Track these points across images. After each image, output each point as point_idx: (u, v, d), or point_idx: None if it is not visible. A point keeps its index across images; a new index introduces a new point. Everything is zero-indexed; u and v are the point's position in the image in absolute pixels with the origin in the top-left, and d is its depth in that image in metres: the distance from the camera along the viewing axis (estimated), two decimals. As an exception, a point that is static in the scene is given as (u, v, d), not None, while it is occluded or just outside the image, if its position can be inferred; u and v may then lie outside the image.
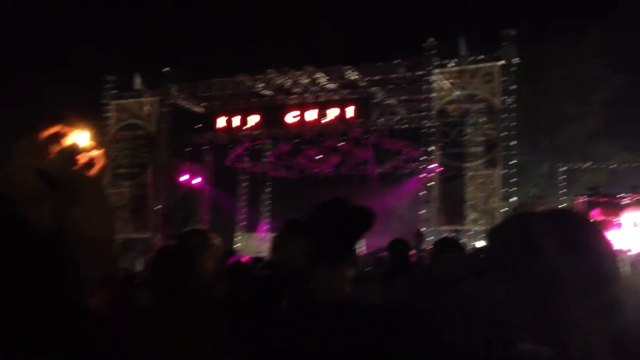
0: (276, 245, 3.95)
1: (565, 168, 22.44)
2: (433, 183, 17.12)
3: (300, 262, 2.21)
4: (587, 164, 22.14)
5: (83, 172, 1.65)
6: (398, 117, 18.89)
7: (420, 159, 18.08)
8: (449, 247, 3.98)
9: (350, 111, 17.96)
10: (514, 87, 16.61)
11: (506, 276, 1.29)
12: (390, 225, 28.42)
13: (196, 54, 23.40)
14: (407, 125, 18.73)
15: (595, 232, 1.33)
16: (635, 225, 19.12)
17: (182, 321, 2.77)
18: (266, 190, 25.06)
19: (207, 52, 23.36)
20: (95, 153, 1.83)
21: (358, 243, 2.11)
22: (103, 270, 1.20)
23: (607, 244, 1.31)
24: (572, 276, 1.22)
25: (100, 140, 20.29)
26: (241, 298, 3.40)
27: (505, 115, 16.53)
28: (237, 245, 23.28)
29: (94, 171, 1.78)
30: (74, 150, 1.80)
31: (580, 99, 25.84)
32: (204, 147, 21.26)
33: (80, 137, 1.89)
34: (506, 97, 16.53)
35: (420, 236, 13.16)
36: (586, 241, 1.29)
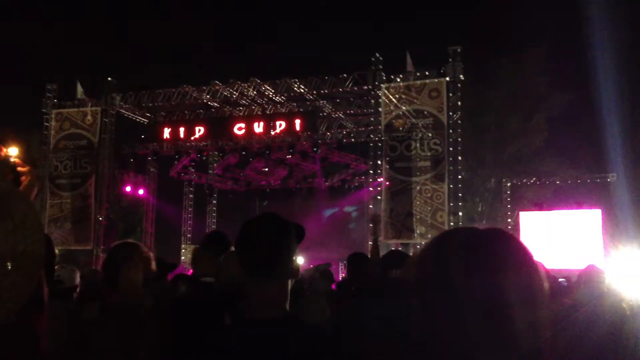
0: (196, 259, 3.79)
1: (510, 183, 22.79)
2: (380, 197, 17.10)
3: (233, 278, 2.34)
4: (532, 180, 22.52)
5: (11, 187, 1.54)
6: (346, 131, 18.88)
7: (368, 172, 18.08)
8: (397, 260, 3.83)
9: (297, 124, 17.83)
10: (460, 103, 16.77)
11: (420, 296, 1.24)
12: (337, 238, 28.49)
13: (141, 64, 22.97)
14: (354, 139, 18.74)
15: (514, 253, 1.25)
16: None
17: (108, 334, 2.75)
18: (213, 202, 24.71)
19: (152, 63, 22.96)
20: (24, 169, 1.79)
21: (294, 257, 2.08)
22: (29, 287, 1.19)
23: (527, 264, 1.24)
24: (479, 298, 1.15)
25: (41, 150, 19.72)
26: (176, 312, 3.29)
27: (452, 130, 16.67)
28: (183, 258, 22.95)
29: (22, 187, 1.75)
30: (1, 166, 1.74)
31: (525, 116, 26.39)
32: (149, 158, 20.85)
33: (9, 153, 1.84)
34: (452, 112, 16.67)
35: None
36: (499, 261, 1.21)
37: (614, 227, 21.20)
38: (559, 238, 20.11)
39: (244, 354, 1.87)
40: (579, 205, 20.60)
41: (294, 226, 2.09)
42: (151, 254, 3.27)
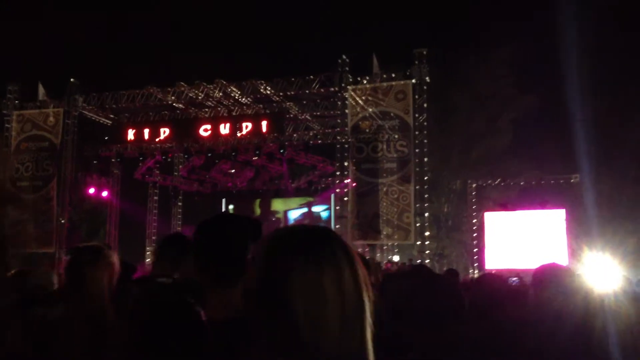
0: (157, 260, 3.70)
1: (476, 184, 22.99)
2: (347, 198, 17.10)
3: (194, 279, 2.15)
4: (497, 181, 22.74)
5: None
6: (312, 133, 18.82)
7: (335, 174, 18.07)
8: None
9: (264, 125, 17.71)
10: (426, 105, 16.84)
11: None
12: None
13: (104, 64, 22.59)
14: (321, 141, 18.71)
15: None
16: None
17: (73, 336, 2.72)
18: (178, 204, 24.43)
19: (115, 63, 22.59)
20: None
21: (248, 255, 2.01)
22: None
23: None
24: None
25: (1, 152, 19.30)
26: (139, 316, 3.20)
27: (418, 132, 16.74)
28: (148, 260, 22.67)
29: None
30: None
31: (490, 117, 26.64)
32: (113, 160, 20.54)
33: None
34: (418, 114, 16.74)
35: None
36: None
37: (578, 227, 21.51)
38: (524, 238, 20.33)
39: (202, 356, 1.84)
40: (543, 205, 20.83)
41: (250, 224, 2.05)
42: (115, 257, 3.19)
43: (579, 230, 21.54)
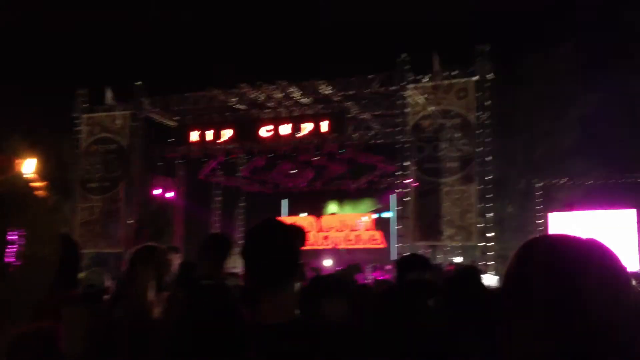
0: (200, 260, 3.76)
1: (541, 184, 22.44)
2: (409, 198, 16.97)
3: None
4: (563, 180, 22.13)
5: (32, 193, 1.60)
6: (373, 132, 18.76)
7: (396, 174, 17.96)
8: (415, 264, 3.76)
9: (324, 126, 17.81)
10: (489, 102, 16.55)
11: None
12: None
13: (169, 67, 23.10)
14: (382, 140, 18.63)
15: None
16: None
17: (121, 336, 2.79)
18: (240, 204, 24.78)
19: (180, 66, 23.08)
20: (38, 184, 1.79)
21: (298, 260, 2.09)
22: (40, 290, 1.23)
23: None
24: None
25: (72, 154, 20.01)
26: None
27: (481, 130, 16.47)
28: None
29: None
30: (16, 181, 1.73)
31: (555, 116, 25.94)
32: (177, 161, 21.02)
33: (26, 166, 1.90)
34: (481, 112, 16.47)
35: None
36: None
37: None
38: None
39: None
40: (611, 205, 20.21)
41: (294, 230, 2.12)
42: (171, 257, 3.23)
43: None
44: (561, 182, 22.23)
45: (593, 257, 1.20)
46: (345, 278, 6.66)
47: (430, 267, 3.45)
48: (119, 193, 19.91)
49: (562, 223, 20.87)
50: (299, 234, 2.12)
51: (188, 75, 20.71)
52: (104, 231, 19.71)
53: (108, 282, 5.23)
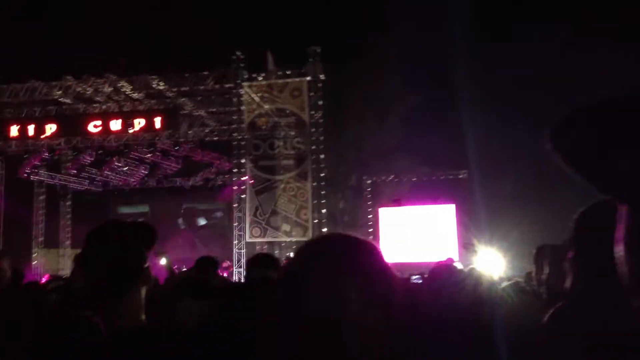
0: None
1: (370, 180, 23.47)
2: (245, 196, 17.01)
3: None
4: (391, 177, 23.31)
5: None
6: (208, 129, 18.55)
7: (232, 171, 17.92)
8: (263, 261, 3.78)
9: (157, 122, 17.28)
10: (321, 102, 17.00)
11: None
12: (202, 238, 28.00)
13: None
14: (217, 138, 18.49)
15: None
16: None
17: None
18: (67, 203, 23.38)
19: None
20: None
21: (146, 263, 1.96)
22: None
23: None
24: None
25: None
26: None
27: (314, 129, 16.88)
28: (35, 262, 21.64)
29: None
30: None
31: (380, 115, 27.28)
32: (-5, 158, 19.43)
33: None
34: (314, 111, 16.88)
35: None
36: None
37: (467, 221, 22.44)
38: (417, 232, 21.03)
39: None
40: (434, 200, 21.61)
41: (142, 229, 1.99)
42: (5, 262, 2.98)
43: (468, 224, 22.46)
44: (389, 178, 23.38)
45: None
46: (201, 276, 6.52)
47: (277, 265, 3.50)
48: None
49: (390, 217, 21.98)
50: (146, 233, 1.99)
51: (6, 65, 19.09)
52: None
53: None
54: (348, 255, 1.17)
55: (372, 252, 1.20)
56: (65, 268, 20.58)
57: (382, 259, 1.20)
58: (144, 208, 26.72)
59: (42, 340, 1.95)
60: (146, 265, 1.97)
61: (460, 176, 22.38)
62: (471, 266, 7.47)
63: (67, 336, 1.88)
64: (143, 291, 1.96)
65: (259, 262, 3.78)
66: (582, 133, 0.90)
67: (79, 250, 3.33)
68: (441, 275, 3.49)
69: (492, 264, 12.10)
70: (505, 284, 4.39)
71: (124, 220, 2.08)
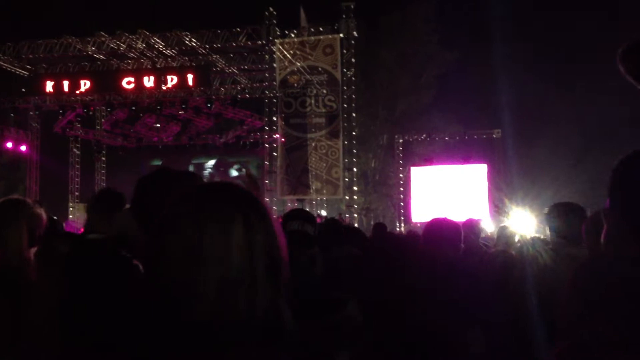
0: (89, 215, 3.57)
1: (402, 139, 23.31)
2: (276, 153, 17.08)
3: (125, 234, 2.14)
4: (423, 136, 23.13)
5: None
6: (240, 87, 18.53)
7: (264, 129, 17.94)
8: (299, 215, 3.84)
9: (190, 79, 17.28)
10: (354, 59, 16.83)
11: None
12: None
13: (19, 11, 21.36)
14: (249, 95, 18.47)
15: None
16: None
17: None
18: (101, 159, 23.70)
19: (31, 11, 21.40)
20: None
21: None
22: None
23: None
24: None
25: None
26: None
27: (346, 87, 16.76)
28: (71, 216, 22.10)
29: None
30: None
31: (414, 74, 26.94)
32: (31, 113, 19.69)
33: None
34: (346, 69, 16.73)
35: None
36: None
37: (499, 181, 22.25)
38: (448, 192, 20.91)
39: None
40: (467, 160, 21.41)
41: (190, 178, 1.97)
42: (40, 211, 3.01)
43: (500, 184, 22.28)
44: (421, 137, 23.19)
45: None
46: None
47: (312, 220, 3.53)
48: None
49: (422, 176, 21.87)
50: (195, 182, 1.93)
51: (40, 20, 19.23)
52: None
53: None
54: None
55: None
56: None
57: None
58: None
59: (78, 280, 1.95)
60: None
61: (494, 135, 22.08)
62: (502, 224, 7.46)
63: (106, 275, 1.87)
64: None
65: (294, 216, 3.79)
66: None
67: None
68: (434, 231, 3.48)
69: (524, 223, 12.06)
70: (528, 237, 4.41)
71: (173, 169, 2.02)
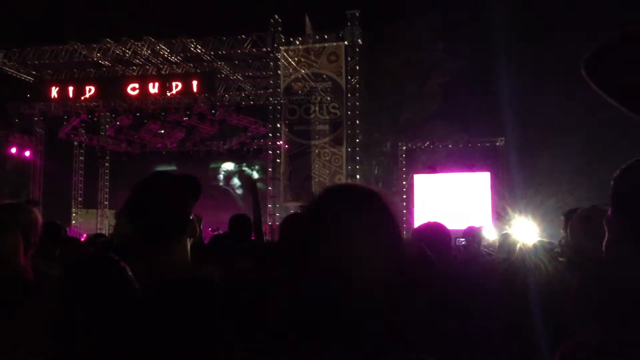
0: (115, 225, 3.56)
1: (405, 147, 23.32)
2: (280, 160, 17.11)
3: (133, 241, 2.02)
4: (426, 144, 23.13)
5: None
6: (244, 93, 18.59)
7: (268, 135, 17.99)
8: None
9: (194, 85, 17.35)
10: (358, 67, 16.88)
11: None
12: (234, 201, 28.35)
13: (25, 17, 21.47)
14: (253, 102, 18.54)
15: None
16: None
17: None
18: (105, 164, 23.75)
19: (37, 17, 21.51)
20: None
21: (191, 215, 1.92)
22: None
23: None
24: None
25: None
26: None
27: (350, 94, 16.80)
28: (74, 222, 22.14)
29: None
30: None
31: (418, 82, 26.98)
32: (35, 119, 19.77)
33: None
34: (350, 76, 16.78)
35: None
36: None
37: (502, 189, 22.22)
38: (451, 199, 20.88)
39: (155, 319, 1.72)
40: (470, 168, 21.39)
41: (189, 181, 1.96)
42: (36, 216, 3.02)
43: (503, 193, 22.24)
44: (424, 145, 23.19)
45: None
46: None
47: None
48: (-31, 151, 18.49)
49: (425, 184, 21.86)
50: (191, 185, 1.96)
51: (46, 26, 19.33)
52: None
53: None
54: (362, 200, 1.21)
55: (384, 201, 1.23)
56: (104, 229, 21.01)
57: (394, 208, 1.23)
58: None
59: (67, 278, 1.95)
60: (192, 217, 1.94)
61: (498, 143, 22.09)
62: (504, 232, 7.46)
63: (90, 275, 1.87)
64: (189, 243, 1.93)
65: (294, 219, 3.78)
66: (615, 57, 0.92)
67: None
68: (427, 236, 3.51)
69: (526, 231, 12.05)
70: (530, 243, 4.41)
71: (170, 172, 1.99)
